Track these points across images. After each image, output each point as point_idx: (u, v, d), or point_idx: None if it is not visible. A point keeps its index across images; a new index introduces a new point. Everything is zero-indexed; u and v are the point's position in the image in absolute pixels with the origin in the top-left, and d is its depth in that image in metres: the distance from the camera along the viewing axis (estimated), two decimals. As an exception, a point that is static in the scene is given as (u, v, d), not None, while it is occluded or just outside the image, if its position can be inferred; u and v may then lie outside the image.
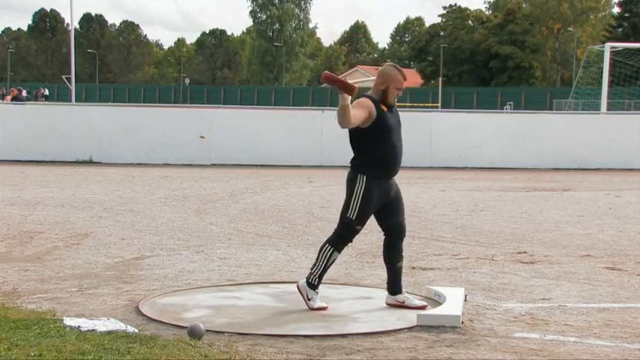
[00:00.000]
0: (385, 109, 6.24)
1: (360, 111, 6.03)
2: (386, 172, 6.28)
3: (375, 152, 6.20)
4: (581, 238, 10.56)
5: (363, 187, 6.21)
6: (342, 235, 6.32)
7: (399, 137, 6.35)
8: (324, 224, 11.18)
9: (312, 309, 6.32)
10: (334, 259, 6.37)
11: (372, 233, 10.62)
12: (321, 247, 6.37)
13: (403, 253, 6.56)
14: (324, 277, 6.45)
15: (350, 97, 5.84)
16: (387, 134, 6.20)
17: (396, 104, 6.42)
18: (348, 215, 6.27)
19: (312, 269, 6.41)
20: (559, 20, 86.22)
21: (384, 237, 6.55)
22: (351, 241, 6.41)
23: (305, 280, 6.44)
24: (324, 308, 6.35)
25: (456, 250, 9.44)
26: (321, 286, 6.24)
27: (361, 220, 6.29)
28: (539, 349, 5.45)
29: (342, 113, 5.84)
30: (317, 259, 6.37)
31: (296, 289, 6.50)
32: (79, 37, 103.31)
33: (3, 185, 16.05)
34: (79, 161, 22.38)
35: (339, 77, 5.94)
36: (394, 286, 6.52)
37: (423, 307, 6.36)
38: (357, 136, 6.22)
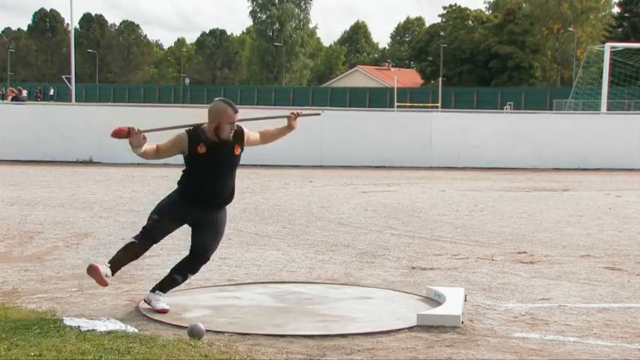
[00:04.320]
0: (204, 149, 6.31)
1: (167, 144, 6.36)
2: (197, 200, 6.38)
3: (190, 179, 6.43)
4: (581, 238, 10.55)
5: (172, 195, 6.51)
6: (144, 226, 6.42)
7: (221, 172, 6.44)
8: (324, 224, 11.11)
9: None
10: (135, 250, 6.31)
11: (371, 233, 10.63)
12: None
13: (197, 275, 6.61)
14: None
15: (139, 143, 6.18)
16: (199, 168, 6.38)
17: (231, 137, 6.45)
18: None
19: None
20: (559, 20, 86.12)
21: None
22: (152, 234, 6.34)
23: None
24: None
25: (456, 250, 9.44)
26: (320, 286, 6.20)
27: (157, 212, 6.43)
28: (539, 349, 5.45)
29: (141, 155, 6.32)
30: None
31: (293, 290, 6.48)
32: (79, 37, 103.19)
33: (3, 185, 16.06)
34: (79, 161, 22.37)
35: (125, 128, 6.14)
36: (160, 284, 6.42)
37: (164, 311, 6.21)
38: (184, 159, 6.45)
